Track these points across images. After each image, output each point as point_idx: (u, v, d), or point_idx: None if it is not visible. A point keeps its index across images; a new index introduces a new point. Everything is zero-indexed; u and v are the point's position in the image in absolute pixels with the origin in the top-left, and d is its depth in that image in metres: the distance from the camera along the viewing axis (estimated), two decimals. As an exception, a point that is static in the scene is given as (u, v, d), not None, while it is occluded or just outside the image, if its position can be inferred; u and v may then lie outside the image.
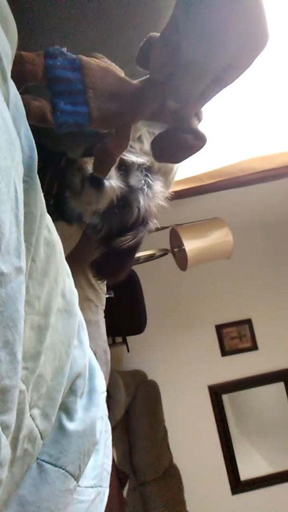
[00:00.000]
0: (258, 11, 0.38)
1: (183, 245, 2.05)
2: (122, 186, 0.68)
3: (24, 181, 0.31)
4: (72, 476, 0.42)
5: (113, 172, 0.66)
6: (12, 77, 0.31)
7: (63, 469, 0.41)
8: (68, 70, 0.42)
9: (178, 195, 1.95)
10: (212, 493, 2.98)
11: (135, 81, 0.45)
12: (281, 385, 3.24)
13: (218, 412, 3.15)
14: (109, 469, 0.54)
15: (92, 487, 0.48)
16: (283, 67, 1.65)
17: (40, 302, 0.35)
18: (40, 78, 0.41)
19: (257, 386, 3.20)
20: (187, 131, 0.45)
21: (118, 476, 2.31)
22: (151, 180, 0.71)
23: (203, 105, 0.45)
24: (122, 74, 0.45)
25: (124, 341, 2.98)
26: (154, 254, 2.27)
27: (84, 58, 0.43)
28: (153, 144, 0.46)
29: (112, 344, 2.85)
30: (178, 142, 0.45)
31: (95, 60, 0.44)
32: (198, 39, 0.38)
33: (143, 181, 0.70)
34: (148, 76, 0.45)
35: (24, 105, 0.36)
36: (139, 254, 2.19)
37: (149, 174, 0.71)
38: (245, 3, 0.37)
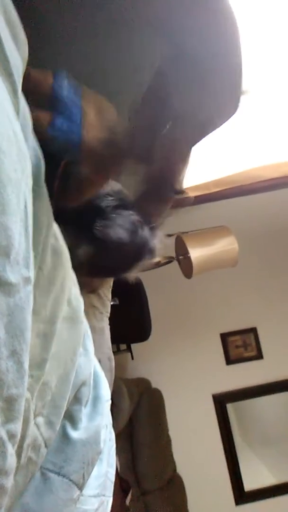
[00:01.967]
0: (240, 65, 0.41)
1: (188, 253, 2.05)
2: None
3: (32, 190, 0.32)
4: (76, 485, 0.42)
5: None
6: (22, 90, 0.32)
7: (66, 478, 0.41)
8: (71, 94, 0.45)
9: (183, 203, 1.96)
10: (215, 504, 2.95)
11: (125, 122, 0.48)
12: (286, 395, 3.21)
13: (223, 421, 3.13)
14: (113, 478, 0.54)
15: (95, 496, 0.48)
16: (289, 77, 1.65)
17: (46, 310, 0.35)
18: (46, 96, 0.44)
19: (262, 396, 3.17)
20: (168, 188, 0.48)
21: (121, 485, 2.29)
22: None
23: (185, 158, 0.48)
24: (114, 111, 0.48)
25: (129, 349, 2.97)
26: (160, 261, 2.27)
27: (87, 89, 0.47)
28: (137, 198, 0.50)
29: (116, 352, 2.85)
30: (159, 196, 0.49)
31: (92, 92, 0.47)
32: (187, 90, 0.40)
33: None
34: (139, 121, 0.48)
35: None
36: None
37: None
38: (231, 58, 0.39)
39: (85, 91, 0.46)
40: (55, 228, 0.40)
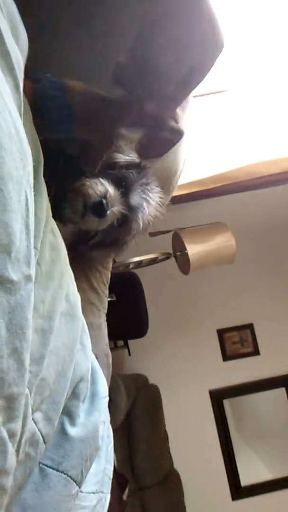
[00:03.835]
0: (213, 19, 0.43)
1: (185, 249, 2.05)
2: (123, 210, 0.68)
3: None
4: (74, 481, 0.42)
5: (116, 197, 0.67)
6: None
7: (65, 474, 0.41)
8: (52, 89, 0.49)
9: (181, 199, 1.96)
10: (212, 499, 2.96)
11: (115, 96, 0.51)
12: (282, 390, 3.22)
13: (219, 417, 3.14)
14: (111, 474, 0.54)
15: (93, 492, 0.48)
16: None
17: (45, 306, 0.35)
18: (31, 99, 0.47)
19: (258, 392, 3.18)
20: (165, 129, 0.51)
21: (118, 480, 2.30)
22: (149, 195, 0.72)
23: (175, 107, 0.51)
24: (101, 90, 0.51)
25: (126, 345, 2.97)
26: (157, 257, 2.27)
27: (67, 80, 0.50)
28: (139, 146, 0.53)
29: (113, 348, 2.85)
30: (159, 140, 0.52)
31: (76, 81, 0.50)
32: (164, 48, 0.43)
33: (142, 199, 0.71)
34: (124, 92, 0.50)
35: None
36: (141, 258, 2.19)
37: (147, 188, 0.71)
38: (203, 14, 0.41)
39: (65, 82, 0.49)
40: (53, 224, 0.40)
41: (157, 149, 0.55)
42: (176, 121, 0.52)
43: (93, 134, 0.52)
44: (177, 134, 0.52)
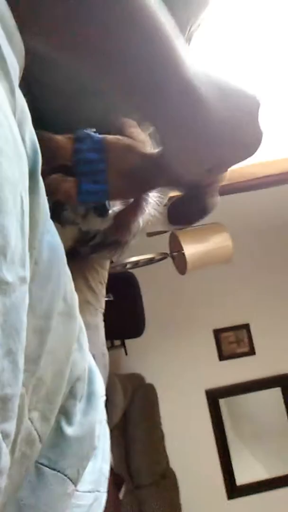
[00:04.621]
0: (239, 124, 0.40)
1: (182, 249, 2.06)
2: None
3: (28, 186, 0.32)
4: (71, 480, 0.42)
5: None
6: (44, 156, 0.34)
7: (61, 472, 0.41)
8: (93, 152, 0.47)
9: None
10: (208, 498, 2.97)
11: (154, 153, 0.49)
12: (278, 390, 3.23)
13: (215, 416, 3.15)
14: (107, 474, 0.54)
15: (90, 492, 0.48)
16: (286, 73, 1.66)
17: (42, 305, 0.35)
18: (70, 160, 0.47)
19: (254, 391, 3.19)
20: (204, 195, 0.50)
21: (114, 479, 2.30)
22: (148, 194, 0.72)
23: (212, 185, 0.49)
24: (146, 148, 0.49)
25: (123, 344, 2.97)
26: (154, 258, 2.27)
27: (109, 138, 0.48)
28: (172, 208, 0.52)
29: (110, 347, 2.85)
30: (196, 206, 0.51)
31: (119, 138, 0.49)
32: (176, 154, 0.42)
33: (141, 199, 0.71)
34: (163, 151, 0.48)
35: (54, 185, 0.42)
36: (138, 258, 2.19)
37: None
38: (216, 126, 0.39)
39: (107, 142, 0.47)
40: (51, 223, 0.40)
41: (189, 215, 0.53)
42: (216, 185, 0.50)
43: (125, 198, 0.52)
44: (202, 215, 0.51)
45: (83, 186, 0.47)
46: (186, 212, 0.52)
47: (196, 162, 0.42)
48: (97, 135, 0.48)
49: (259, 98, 0.41)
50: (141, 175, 0.48)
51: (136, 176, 0.48)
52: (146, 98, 0.38)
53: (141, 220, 0.72)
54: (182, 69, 0.36)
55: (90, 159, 0.47)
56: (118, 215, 0.55)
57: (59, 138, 0.46)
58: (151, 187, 0.51)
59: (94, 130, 0.48)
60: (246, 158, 0.43)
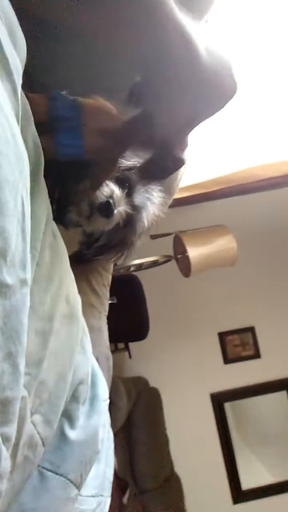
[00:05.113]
0: (218, 73, 0.43)
1: (186, 251, 2.05)
2: (128, 209, 0.69)
3: (30, 186, 0.31)
4: (74, 484, 0.42)
5: (121, 197, 0.67)
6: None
7: (64, 477, 0.41)
8: (68, 109, 0.50)
9: (182, 202, 1.96)
10: (213, 502, 2.95)
11: (126, 117, 0.51)
12: (283, 394, 3.21)
13: (220, 420, 3.13)
14: (111, 478, 0.54)
15: (93, 496, 0.48)
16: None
17: (44, 308, 0.35)
18: (44, 117, 0.48)
19: (260, 395, 3.17)
20: (169, 158, 0.52)
21: (118, 484, 2.29)
22: (153, 193, 0.72)
23: (181, 139, 0.51)
24: (115, 111, 0.52)
25: (126, 348, 2.97)
26: (158, 260, 2.27)
27: (81, 99, 0.50)
28: (141, 167, 0.55)
29: (114, 350, 2.84)
30: (163, 167, 0.53)
31: (91, 100, 0.51)
32: (160, 100, 0.44)
33: (146, 199, 0.71)
34: (136, 113, 0.51)
35: None
36: (142, 260, 2.19)
37: (150, 187, 0.71)
38: (200, 73, 0.41)
39: (80, 102, 0.50)
40: (53, 225, 0.40)
41: (157, 175, 0.56)
42: (183, 150, 0.53)
43: (101, 157, 0.53)
44: (179, 163, 0.53)
45: (60, 139, 0.49)
46: (155, 171, 0.55)
47: (178, 110, 0.44)
48: (69, 96, 0.51)
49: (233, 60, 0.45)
50: (115, 135, 0.51)
51: (110, 135, 0.50)
52: (144, 32, 0.40)
53: (146, 220, 0.72)
54: (178, 15, 0.39)
55: (65, 116, 0.49)
56: (92, 171, 0.57)
57: (34, 95, 0.48)
58: (124, 147, 0.54)
59: (66, 92, 0.51)
60: (222, 106, 0.46)
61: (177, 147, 0.51)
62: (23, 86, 0.33)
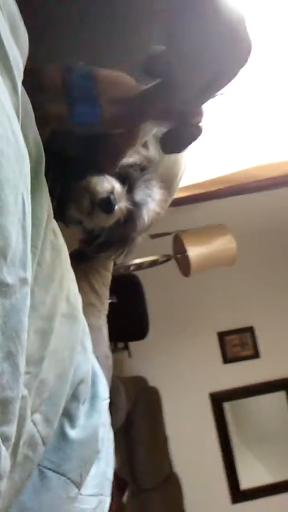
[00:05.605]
0: (235, 27, 0.42)
1: (186, 251, 2.05)
2: (129, 205, 0.68)
3: (30, 184, 0.31)
4: (74, 483, 0.42)
5: (122, 193, 0.67)
6: (35, 87, 0.34)
7: (64, 476, 0.41)
8: (84, 79, 0.49)
9: (182, 202, 1.96)
10: (212, 502, 2.95)
11: (144, 87, 0.50)
12: (282, 394, 3.21)
13: (219, 420, 3.13)
14: (111, 477, 0.54)
15: (93, 495, 0.48)
16: (288, 75, 1.65)
17: (45, 307, 0.35)
18: (60, 88, 0.48)
19: (259, 395, 3.17)
20: (190, 125, 0.51)
21: (118, 483, 2.29)
22: (153, 190, 0.72)
23: (200, 106, 0.51)
24: (133, 81, 0.51)
25: (126, 347, 2.97)
26: (157, 260, 2.27)
27: (97, 68, 0.50)
28: (163, 139, 0.53)
29: (114, 350, 2.84)
30: (184, 135, 0.52)
31: (107, 70, 0.50)
32: (182, 59, 0.43)
33: (146, 195, 0.71)
34: (155, 82, 0.50)
35: (42, 109, 0.41)
36: (142, 260, 2.19)
37: (151, 183, 0.71)
38: (219, 27, 0.41)
39: (95, 72, 0.49)
40: (54, 224, 0.40)
41: (179, 144, 0.55)
42: (201, 118, 0.53)
43: (119, 127, 0.52)
44: (200, 131, 0.52)
45: (76, 109, 0.49)
46: (177, 138, 0.54)
47: (197, 73, 0.44)
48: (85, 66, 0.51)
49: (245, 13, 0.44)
50: (132, 104, 0.50)
51: (127, 105, 0.50)
52: None
53: (146, 216, 0.72)
54: None
55: (81, 86, 0.49)
56: (110, 139, 0.56)
57: (49, 67, 0.48)
58: (142, 116, 0.53)
59: (82, 63, 0.51)
60: (240, 65, 0.45)
61: (196, 115, 0.51)
62: (35, 57, 0.33)
